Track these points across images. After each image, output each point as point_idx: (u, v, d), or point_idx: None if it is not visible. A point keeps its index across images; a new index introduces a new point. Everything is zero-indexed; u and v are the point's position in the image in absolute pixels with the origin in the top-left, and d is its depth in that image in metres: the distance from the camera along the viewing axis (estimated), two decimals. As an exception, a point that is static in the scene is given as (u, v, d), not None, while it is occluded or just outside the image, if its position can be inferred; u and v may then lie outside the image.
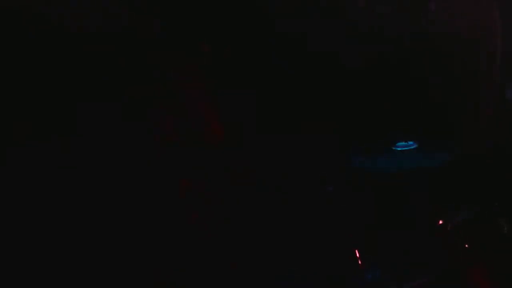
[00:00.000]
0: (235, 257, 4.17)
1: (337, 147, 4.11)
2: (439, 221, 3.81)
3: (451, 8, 4.24)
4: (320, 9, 4.47)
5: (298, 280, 4.01)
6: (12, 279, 4.15)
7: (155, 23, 4.46)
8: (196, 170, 4.36)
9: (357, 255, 3.85)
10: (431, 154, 3.90)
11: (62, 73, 4.49)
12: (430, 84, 4.30)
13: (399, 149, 3.92)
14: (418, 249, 3.82)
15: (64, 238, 4.27)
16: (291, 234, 4.18)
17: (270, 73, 4.55)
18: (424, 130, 4.03)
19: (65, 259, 4.22)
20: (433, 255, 3.78)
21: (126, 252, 4.23)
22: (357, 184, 4.07)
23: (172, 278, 4.15)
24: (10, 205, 4.34)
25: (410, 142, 3.96)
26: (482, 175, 3.96)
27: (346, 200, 4.08)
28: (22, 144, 4.40)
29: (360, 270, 3.83)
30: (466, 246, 3.72)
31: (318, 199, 4.15)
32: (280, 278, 4.04)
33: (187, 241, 4.24)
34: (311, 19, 4.47)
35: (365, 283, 3.77)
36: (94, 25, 4.42)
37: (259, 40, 4.55)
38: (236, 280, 4.08)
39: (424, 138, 3.99)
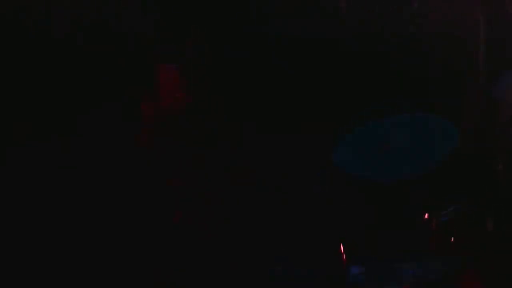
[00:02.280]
0: (234, 256, 4.15)
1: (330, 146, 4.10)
2: (425, 216, 3.79)
3: (436, 7, 4.26)
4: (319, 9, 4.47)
5: (295, 278, 3.99)
6: (12, 278, 4.14)
7: (155, 23, 4.46)
8: (196, 170, 4.36)
9: (343, 251, 3.82)
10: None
11: (62, 73, 4.48)
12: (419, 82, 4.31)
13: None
14: (407, 245, 3.81)
15: (64, 237, 4.26)
16: (287, 232, 4.17)
17: (270, 73, 4.55)
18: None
19: (65, 258, 4.21)
20: (421, 251, 3.76)
21: (126, 252, 4.22)
22: (349, 181, 4.05)
23: (172, 278, 4.14)
24: (10, 205, 4.33)
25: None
26: (469, 172, 3.96)
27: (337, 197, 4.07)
28: (22, 144, 4.40)
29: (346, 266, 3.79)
30: (452, 240, 3.70)
31: (313, 197, 4.13)
32: (277, 277, 4.02)
33: (187, 241, 4.23)
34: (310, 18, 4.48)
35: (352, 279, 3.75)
36: (94, 25, 4.42)
37: (259, 40, 4.55)
38: (235, 279, 4.08)
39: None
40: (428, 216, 3.82)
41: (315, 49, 4.58)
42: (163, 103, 4.36)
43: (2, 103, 4.46)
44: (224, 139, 4.43)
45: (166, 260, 4.19)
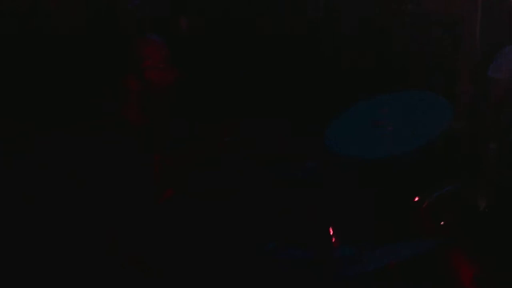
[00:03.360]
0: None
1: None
2: (414, 198, 3.75)
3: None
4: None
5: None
6: (10, 278, 4.15)
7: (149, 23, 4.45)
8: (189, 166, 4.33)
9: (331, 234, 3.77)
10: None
11: (58, 73, 4.50)
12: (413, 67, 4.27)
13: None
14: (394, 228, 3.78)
15: (60, 237, 4.25)
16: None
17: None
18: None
19: (61, 258, 4.20)
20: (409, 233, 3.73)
21: (121, 252, 4.20)
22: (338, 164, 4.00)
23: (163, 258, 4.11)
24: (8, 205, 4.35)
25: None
26: (458, 154, 3.92)
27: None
28: (19, 143, 4.42)
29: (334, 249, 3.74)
30: (442, 223, 3.66)
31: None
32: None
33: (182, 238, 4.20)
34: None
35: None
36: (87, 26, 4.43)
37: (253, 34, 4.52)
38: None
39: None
40: (418, 197, 3.77)
41: (310, 45, 4.56)
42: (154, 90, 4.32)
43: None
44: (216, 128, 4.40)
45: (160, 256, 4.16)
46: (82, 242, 4.11)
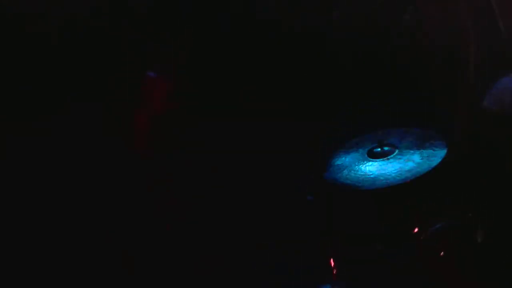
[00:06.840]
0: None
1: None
2: (414, 230, 3.81)
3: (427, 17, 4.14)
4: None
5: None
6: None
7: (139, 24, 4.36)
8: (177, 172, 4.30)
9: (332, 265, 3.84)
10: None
11: (47, 74, 4.42)
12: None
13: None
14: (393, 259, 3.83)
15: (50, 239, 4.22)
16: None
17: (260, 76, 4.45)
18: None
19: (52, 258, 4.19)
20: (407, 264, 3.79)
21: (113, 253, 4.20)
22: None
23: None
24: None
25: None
26: (458, 185, 3.94)
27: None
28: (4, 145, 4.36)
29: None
30: (441, 254, 3.72)
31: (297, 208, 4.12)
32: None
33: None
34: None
35: None
36: (79, 27, 4.34)
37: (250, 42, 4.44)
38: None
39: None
40: (417, 230, 3.81)
41: (307, 50, 4.46)
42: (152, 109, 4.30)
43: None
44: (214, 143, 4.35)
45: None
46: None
